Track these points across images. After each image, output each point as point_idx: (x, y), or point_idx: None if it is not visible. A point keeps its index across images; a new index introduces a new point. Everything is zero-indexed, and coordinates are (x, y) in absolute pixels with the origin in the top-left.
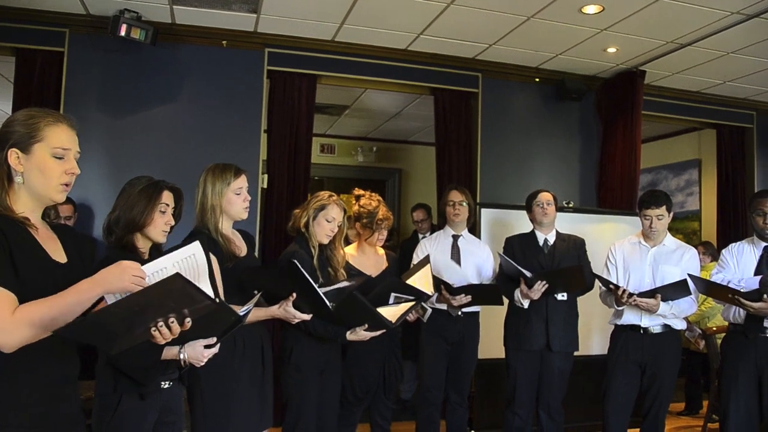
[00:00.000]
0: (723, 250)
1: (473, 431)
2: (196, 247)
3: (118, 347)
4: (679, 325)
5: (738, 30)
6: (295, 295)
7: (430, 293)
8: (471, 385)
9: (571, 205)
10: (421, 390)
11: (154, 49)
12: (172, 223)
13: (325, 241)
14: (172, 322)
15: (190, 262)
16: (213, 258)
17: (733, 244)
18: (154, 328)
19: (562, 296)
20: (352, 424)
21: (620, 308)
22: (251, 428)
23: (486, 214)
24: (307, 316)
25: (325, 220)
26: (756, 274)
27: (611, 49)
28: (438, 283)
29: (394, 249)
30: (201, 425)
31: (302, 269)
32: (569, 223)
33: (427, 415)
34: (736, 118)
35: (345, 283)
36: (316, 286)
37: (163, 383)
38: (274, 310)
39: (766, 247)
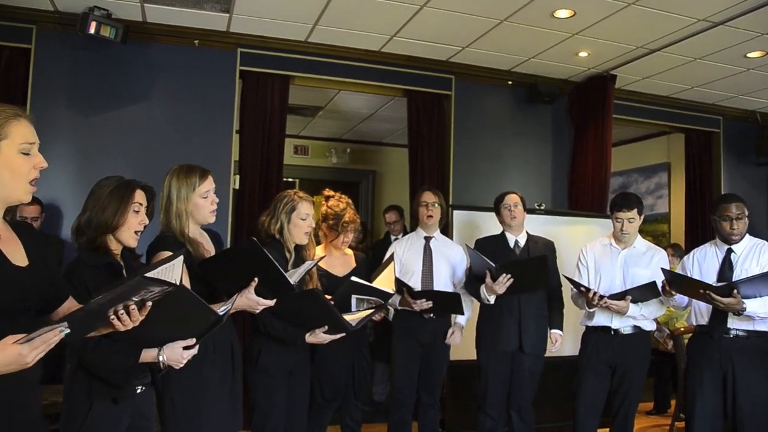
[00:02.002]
0: (684, 258)
1: None
2: (179, 261)
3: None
4: (649, 326)
5: (705, 37)
6: (257, 280)
7: (391, 292)
8: (443, 387)
9: (542, 207)
10: (393, 392)
11: (124, 48)
12: (146, 222)
13: (305, 240)
14: (133, 309)
15: (167, 270)
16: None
17: (696, 249)
18: (113, 316)
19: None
20: (322, 426)
21: (591, 310)
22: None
23: (458, 216)
24: (270, 302)
25: (300, 219)
26: (719, 276)
27: (583, 54)
28: (401, 286)
29: (366, 250)
30: (171, 428)
31: (262, 247)
32: (541, 225)
33: (399, 416)
34: (703, 123)
35: (309, 263)
36: (277, 264)
37: (136, 387)
38: (234, 300)
39: (728, 249)
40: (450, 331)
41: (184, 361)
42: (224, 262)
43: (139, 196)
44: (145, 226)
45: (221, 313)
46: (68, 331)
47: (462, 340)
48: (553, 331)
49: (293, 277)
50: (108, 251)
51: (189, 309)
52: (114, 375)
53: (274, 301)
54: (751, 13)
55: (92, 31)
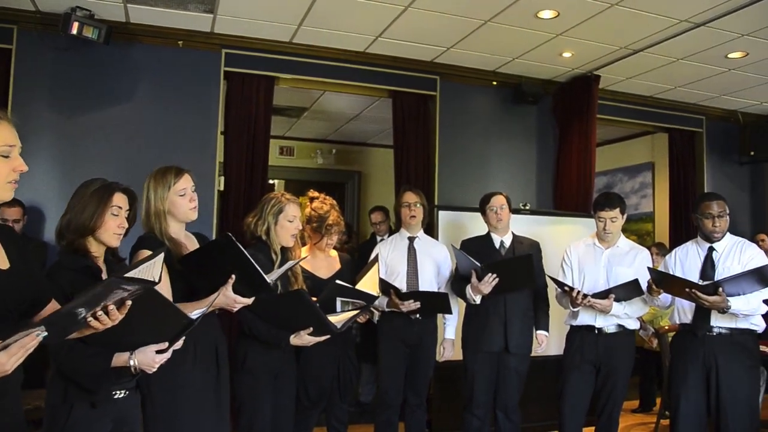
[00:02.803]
0: (666, 257)
1: None
2: (159, 259)
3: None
4: (633, 325)
5: (687, 38)
6: (234, 277)
7: (375, 294)
8: (429, 387)
9: (527, 207)
10: (380, 392)
11: (107, 48)
12: (126, 225)
13: (291, 242)
14: (112, 308)
15: (147, 268)
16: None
17: (678, 247)
18: (90, 318)
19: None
20: (308, 428)
21: (575, 309)
22: None
23: (443, 216)
24: (248, 301)
25: (287, 221)
26: (701, 274)
27: (567, 54)
28: (388, 287)
29: (352, 252)
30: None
31: (237, 242)
32: (526, 225)
33: (385, 417)
34: (686, 123)
35: (290, 263)
36: (252, 260)
37: (117, 392)
38: (213, 298)
39: (710, 247)
40: (440, 347)
41: (156, 365)
42: (202, 258)
43: (119, 198)
44: (127, 230)
45: (194, 317)
46: (45, 334)
47: (453, 351)
48: (539, 332)
49: (273, 275)
50: (87, 254)
51: (161, 312)
52: (87, 379)
53: (252, 299)
54: (732, 14)
55: (74, 31)
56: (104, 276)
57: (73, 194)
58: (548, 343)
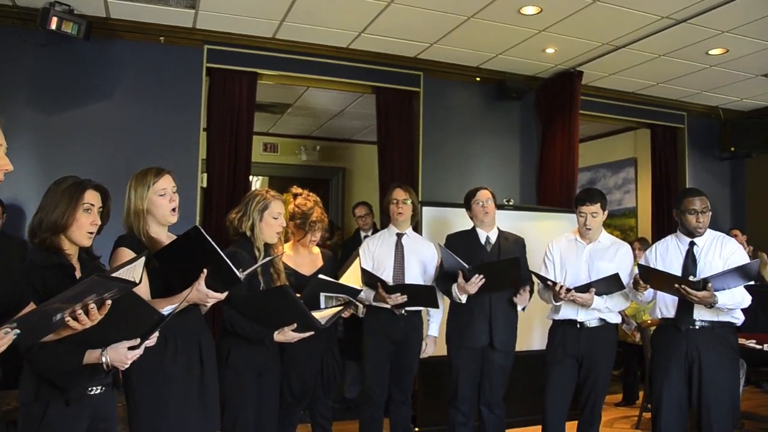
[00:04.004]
0: (647, 251)
1: (417, 429)
2: (140, 262)
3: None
4: (615, 319)
5: (668, 34)
6: (206, 272)
7: (359, 288)
8: (414, 383)
9: (511, 203)
10: (364, 389)
11: (87, 44)
12: (99, 223)
13: (275, 239)
14: (92, 308)
15: (128, 271)
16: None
17: (658, 242)
18: (68, 318)
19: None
20: (292, 424)
21: (558, 304)
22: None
23: (427, 212)
24: (221, 296)
25: (272, 218)
26: (683, 269)
27: (550, 50)
28: (375, 280)
29: (335, 248)
30: (136, 429)
31: (206, 234)
32: (509, 221)
33: (370, 413)
34: (668, 119)
35: (267, 258)
36: (220, 251)
37: (93, 389)
38: (186, 293)
39: (691, 242)
40: (423, 344)
41: (129, 362)
42: (175, 253)
43: (90, 196)
44: (100, 227)
45: (165, 313)
46: (18, 332)
47: (435, 348)
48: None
49: (246, 270)
50: (60, 251)
51: (135, 310)
52: (59, 377)
53: (225, 294)
54: (712, 11)
55: (53, 26)
56: (78, 274)
57: (45, 192)
58: (531, 337)
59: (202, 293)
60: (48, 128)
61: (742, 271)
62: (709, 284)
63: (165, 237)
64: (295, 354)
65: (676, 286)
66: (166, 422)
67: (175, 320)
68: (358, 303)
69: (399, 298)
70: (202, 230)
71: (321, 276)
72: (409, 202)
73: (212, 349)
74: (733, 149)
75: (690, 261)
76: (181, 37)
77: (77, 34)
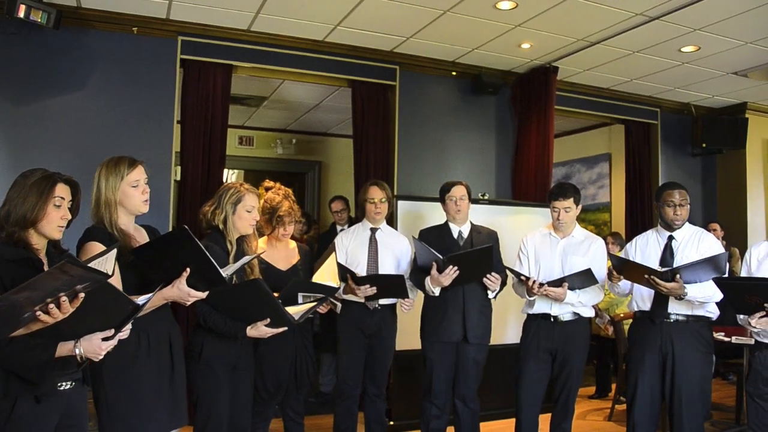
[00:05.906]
0: (627, 245)
1: (391, 422)
2: (112, 254)
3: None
4: (588, 313)
5: (642, 30)
6: (189, 270)
7: (336, 285)
8: (389, 377)
9: (486, 197)
10: (339, 382)
11: (57, 34)
12: (69, 217)
13: (250, 231)
14: (64, 300)
15: (100, 263)
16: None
17: (638, 236)
18: (39, 311)
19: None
20: (266, 419)
21: (531, 298)
22: (161, 428)
23: (402, 206)
24: (202, 294)
25: (245, 211)
26: (661, 262)
27: (525, 45)
28: (344, 272)
29: (311, 242)
30: (107, 426)
31: (193, 236)
32: (484, 215)
33: (345, 407)
34: (642, 115)
35: (247, 257)
36: (208, 254)
37: (63, 384)
38: (167, 291)
39: (670, 236)
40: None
41: (103, 353)
42: (157, 250)
43: (61, 189)
44: (69, 221)
45: (140, 303)
46: None
47: (412, 305)
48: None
49: (228, 269)
50: (28, 246)
51: (109, 301)
52: (29, 371)
53: (206, 293)
54: (685, 8)
55: (21, 15)
56: (46, 269)
57: (12, 185)
58: (505, 331)
59: (183, 292)
60: (17, 119)
61: (711, 263)
62: (678, 275)
63: (133, 229)
64: (269, 349)
65: (646, 276)
66: (136, 418)
67: (146, 315)
68: (336, 302)
69: (369, 290)
70: (190, 232)
71: (297, 279)
72: (385, 200)
73: (181, 344)
74: (704, 145)
75: (668, 254)
76: (154, 27)
77: (46, 23)
